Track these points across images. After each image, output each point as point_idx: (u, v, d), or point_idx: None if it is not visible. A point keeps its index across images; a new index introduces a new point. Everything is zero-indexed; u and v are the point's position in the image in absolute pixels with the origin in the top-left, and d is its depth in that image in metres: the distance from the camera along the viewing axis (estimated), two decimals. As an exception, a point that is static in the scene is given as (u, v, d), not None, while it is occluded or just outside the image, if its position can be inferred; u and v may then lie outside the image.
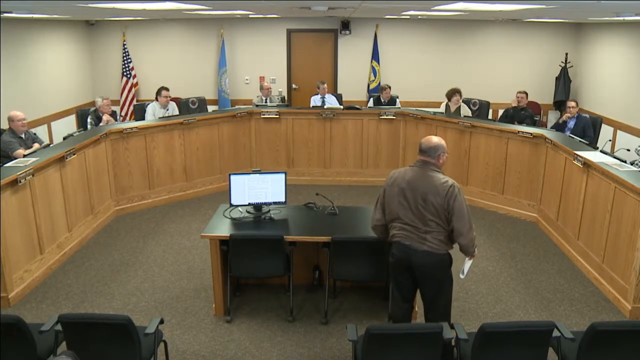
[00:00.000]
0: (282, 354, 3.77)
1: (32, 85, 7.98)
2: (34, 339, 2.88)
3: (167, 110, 7.28)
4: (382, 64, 9.66)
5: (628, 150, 6.48)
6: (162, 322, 3.17)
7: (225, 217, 4.37)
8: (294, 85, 9.96)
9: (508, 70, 9.57)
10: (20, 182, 4.45)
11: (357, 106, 7.57)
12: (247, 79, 9.92)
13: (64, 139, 5.88)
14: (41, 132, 7.71)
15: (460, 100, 7.53)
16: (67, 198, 5.29)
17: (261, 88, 8.40)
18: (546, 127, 9.14)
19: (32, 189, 4.68)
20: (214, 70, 9.84)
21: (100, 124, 6.79)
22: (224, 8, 6.91)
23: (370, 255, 3.94)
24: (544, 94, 9.45)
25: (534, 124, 7.21)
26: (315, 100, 8.09)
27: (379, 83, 9.41)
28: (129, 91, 9.67)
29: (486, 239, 5.74)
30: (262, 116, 7.42)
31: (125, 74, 9.66)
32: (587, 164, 4.97)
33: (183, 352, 3.78)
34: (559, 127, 6.95)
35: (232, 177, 4.37)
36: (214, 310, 4.26)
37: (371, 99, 8.34)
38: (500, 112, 8.61)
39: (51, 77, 8.50)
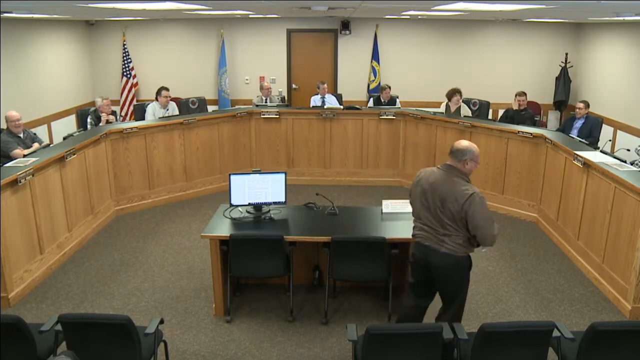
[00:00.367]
0: (282, 354, 3.77)
1: (32, 85, 7.98)
2: (34, 339, 2.89)
3: (167, 110, 7.27)
4: (382, 64, 9.66)
5: (628, 150, 6.49)
6: (162, 322, 3.18)
7: (225, 217, 4.37)
8: (294, 85, 9.96)
9: (508, 70, 9.57)
10: (20, 182, 4.45)
11: (357, 106, 7.57)
12: (247, 79, 9.92)
13: (64, 139, 5.89)
14: (41, 132, 7.71)
15: (461, 100, 7.53)
16: (67, 198, 5.29)
17: (261, 88, 8.40)
18: (546, 127, 9.16)
19: (32, 189, 4.68)
20: (214, 70, 9.84)
21: (100, 124, 6.79)
22: (224, 8, 6.91)
23: (370, 255, 3.94)
24: (544, 94, 9.45)
25: (534, 124, 7.21)
26: (315, 100, 8.09)
27: (379, 83, 9.41)
28: (129, 91, 9.67)
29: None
30: (262, 116, 7.42)
31: (125, 74, 9.66)
32: (587, 164, 4.97)
33: (183, 352, 3.78)
34: (566, 125, 7.01)
35: (232, 177, 4.37)
36: (214, 310, 4.26)
37: (371, 99, 8.34)
38: (501, 112, 8.61)
39: (51, 77, 8.50)
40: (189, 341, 3.91)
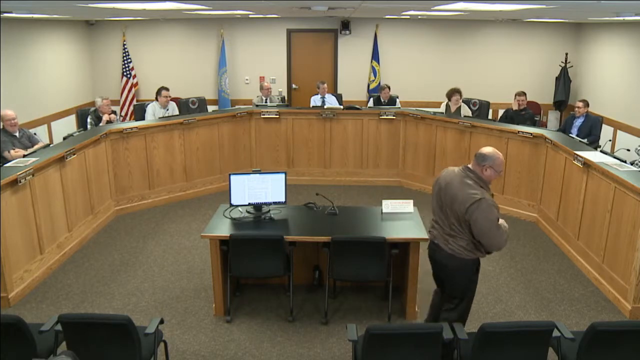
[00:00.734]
0: (282, 354, 3.77)
1: (32, 85, 7.97)
2: (34, 339, 2.88)
3: (167, 110, 7.27)
4: (382, 64, 9.66)
5: (628, 150, 6.50)
6: (162, 322, 3.18)
7: (225, 217, 4.37)
8: (294, 85, 9.96)
9: (508, 70, 9.57)
10: (20, 182, 4.45)
11: (357, 106, 7.57)
12: (247, 79, 9.92)
13: (64, 139, 5.89)
14: (41, 132, 7.72)
15: (460, 100, 7.53)
16: (67, 198, 5.29)
17: (261, 88, 8.40)
18: (546, 127, 9.17)
19: (32, 189, 4.68)
20: (214, 70, 9.84)
21: (100, 124, 6.79)
22: (224, 8, 6.91)
23: (370, 255, 3.94)
24: (544, 94, 9.45)
25: (534, 124, 7.21)
26: (315, 100, 8.09)
27: (379, 83, 9.41)
28: (129, 91, 9.67)
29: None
30: (262, 116, 7.42)
31: (125, 74, 9.66)
32: (587, 164, 4.97)
33: (183, 352, 3.78)
34: (566, 124, 7.03)
35: (232, 177, 4.37)
36: (214, 310, 4.26)
37: (371, 99, 8.35)
38: (501, 112, 8.62)
39: (51, 77, 8.50)
40: (189, 341, 3.91)
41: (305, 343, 3.90)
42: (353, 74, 9.80)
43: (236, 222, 4.28)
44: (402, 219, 4.34)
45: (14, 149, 5.60)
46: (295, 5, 6.09)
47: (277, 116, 7.41)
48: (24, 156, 5.19)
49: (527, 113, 7.34)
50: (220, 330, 4.05)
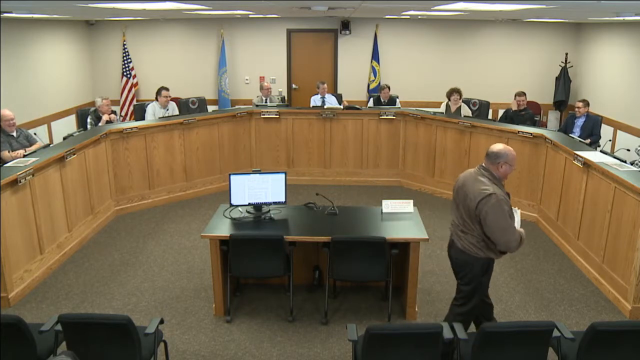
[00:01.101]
0: (282, 354, 3.77)
1: (32, 85, 7.97)
2: (34, 339, 2.89)
3: (167, 110, 7.27)
4: (382, 64, 9.66)
5: (628, 150, 6.50)
6: (162, 322, 3.17)
7: (225, 217, 4.37)
8: (294, 85, 9.96)
9: (508, 70, 9.57)
10: (20, 182, 4.45)
11: (357, 106, 7.57)
12: (247, 79, 9.92)
13: (64, 139, 5.89)
14: (41, 132, 7.71)
15: (460, 100, 7.54)
16: (67, 198, 5.29)
17: (261, 88, 8.41)
18: (546, 127, 9.17)
19: (32, 189, 4.68)
20: (214, 70, 9.84)
21: (100, 124, 6.79)
22: (224, 8, 6.91)
23: (370, 255, 3.94)
24: (544, 94, 9.45)
25: (534, 124, 7.21)
26: (315, 100, 8.10)
27: (379, 83, 9.41)
28: (129, 91, 9.67)
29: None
30: (262, 116, 7.42)
31: (125, 74, 9.66)
32: (587, 164, 4.97)
33: (183, 352, 3.78)
34: (567, 124, 7.04)
35: (232, 177, 4.37)
36: (214, 310, 4.26)
37: (371, 99, 8.35)
38: (501, 112, 8.62)
39: (51, 77, 8.50)
40: (189, 341, 3.91)
41: (305, 343, 3.90)
42: (353, 74, 9.80)
43: (236, 222, 4.28)
44: (402, 219, 4.34)
45: (8, 151, 5.57)
46: (295, 5, 6.09)
47: (277, 116, 7.41)
48: (24, 156, 5.19)
49: (527, 113, 7.33)
50: (220, 330, 4.05)
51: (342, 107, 7.65)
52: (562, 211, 5.52)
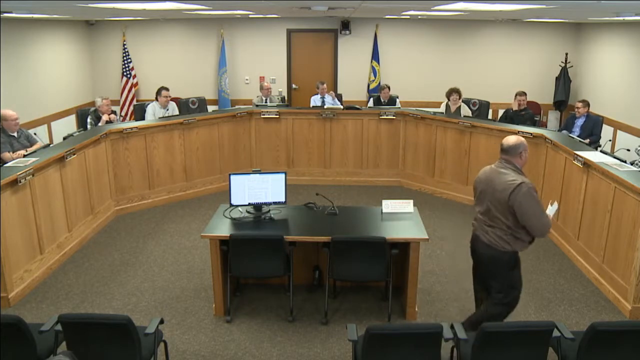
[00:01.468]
0: (282, 354, 3.77)
1: (32, 85, 7.98)
2: (34, 339, 2.89)
3: (167, 110, 7.27)
4: (382, 64, 9.66)
5: (628, 150, 6.50)
6: (162, 322, 3.18)
7: (225, 217, 4.37)
8: (294, 85, 9.97)
9: (508, 70, 9.57)
10: (20, 182, 4.45)
11: (357, 106, 7.57)
12: (247, 79, 9.92)
13: (64, 139, 5.89)
14: (41, 132, 7.71)
15: (460, 100, 7.54)
16: (67, 198, 5.29)
17: (261, 88, 8.41)
18: (546, 127, 9.17)
19: (32, 189, 4.68)
20: (214, 70, 9.84)
21: (100, 124, 6.79)
22: (224, 8, 6.91)
23: (370, 255, 3.94)
24: (544, 94, 9.45)
25: (534, 124, 7.22)
26: (315, 100, 8.10)
27: (379, 83, 9.41)
28: (129, 91, 9.67)
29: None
30: (262, 116, 7.42)
31: (125, 74, 9.66)
32: (587, 164, 4.97)
33: (183, 352, 3.78)
34: (567, 124, 7.04)
35: (232, 177, 4.37)
36: (214, 310, 4.26)
37: (371, 99, 8.35)
38: (500, 112, 8.62)
39: (51, 77, 8.50)
40: (189, 341, 3.91)
41: (305, 343, 3.90)
42: (353, 74, 9.80)
43: (236, 222, 4.28)
44: (402, 219, 4.34)
45: (9, 151, 5.57)
46: (295, 5, 6.09)
47: (277, 116, 7.41)
48: (24, 156, 5.19)
49: (527, 113, 7.33)
50: (220, 330, 4.05)
51: (341, 106, 7.65)
52: (562, 211, 5.52)
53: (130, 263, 5.18)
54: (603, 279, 4.65)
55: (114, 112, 7.19)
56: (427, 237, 4.02)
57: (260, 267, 4.08)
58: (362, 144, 7.44)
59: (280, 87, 9.78)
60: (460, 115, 7.32)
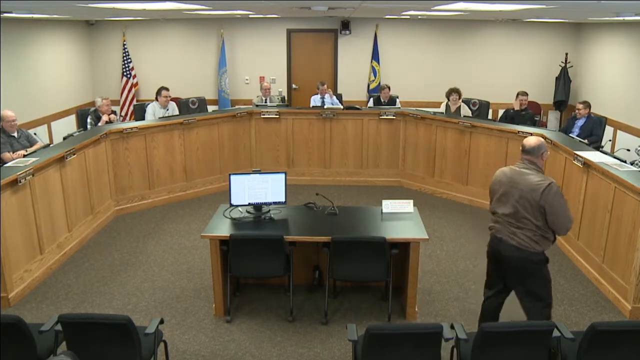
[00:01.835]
0: (282, 354, 3.77)
1: (32, 85, 7.98)
2: (34, 339, 2.88)
3: (167, 110, 7.27)
4: (382, 64, 9.66)
5: (628, 150, 6.50)
6: (162, 322, 3.17)
7: (225, 217, 4.37)
8: (294, 85, 9.97)
9: (508, 70, 9.57)
10: (20, 182, 4.45)
11: (357, 106, 7.57)
12: (247, 79, 9.92)
13: (64, 139, 5.89)
14: (41, 132, 7.71)
15: (460, 100, 7.54)
16: (67, 198, 5.29)
17: (261, 88, 8.41)
18: (546, 127, 9.17)
19: (32, 189, 4.68)
20: (214, 70, 9.84)
21: (99, 124, 6.79)
22: (224, 8, 6.91)
23: (370, 255, 3.94)
24: (544, 94, 9.45)
25: (534, 124, 7.22)
26: (315, 100, 8.10)
27: (379, 83, 9.42)
28: (129, 91, 9.67)
29: (486, 239, 5.70)
30: (262, 116, 7.42)
31: (125, 74, 9.66)
32: (587, 164, 4.97)
33: (183, 352, 3.78)
34: (568, 124, 7.05)
35: (232, 177, 4.37)
36: (214, 310, 4.26)
37: (371, 99, 8.35)
38: (500, 112, 8.62)
39: (51, 77, 8.50)
40: (189, 341, 3.91)
41: (305, 343, 3.90)
42: (353, 74, 9.80)
43: (236, 222, 4.28)
44: (402, 219, 4.34)
45: (9, 151, 5.57)
46: (295, 5, 6.09)
47: (277, 116, 7.41)
48: (24, 156, 5.19)
49: (527, 113, 7.33)
50: (220, 330, 4.05)
51: (341, 106, 7.66)
52: (562, 211, 5.51)
53: (130, 263, 5.18)
54: (603, 279, 4.65)
55: (114, 112, 7.19)
56: (427, 237, 4.02)
57: (260, 267, 4.07)
58: (362, 144, 7.44)
59: (280, 87, 9.78)
60: (460, 115, 7.32)
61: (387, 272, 4.00)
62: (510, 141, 6.28)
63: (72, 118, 8.90)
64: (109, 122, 6.89)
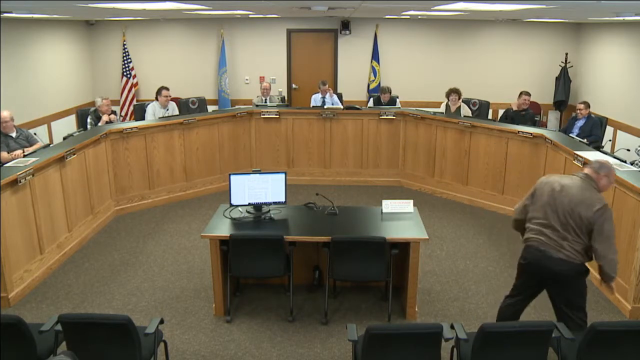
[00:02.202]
0: (282, 354, 3.77)
1: (32, 85, 7.97)
2: (34, 339, 2.89)
3: (167, 110, 7.27)
4: (382, 64, 9.66)
5: (628, 150, 6.50)
6: (162, 322, 3.17)
7: (225, 217, 4.37)
8: (294, 85, 9.97)
9: (508, 70, 9.57)
10: (20, 182, 4.45)
11: (357, 106, 7.57)
12: (247, 79, 9.92)
13: (64, 139, 5.88)
14: (41, 132, 7.71)
15: (459, 100, 7.54)
16: (67, 198, 5.29)
17: (261, 88, 8.41)
18: (546, 127, 9.17)
19: (32, 189, 4.68)
20: (214, 70, 9.84)
21: (99, 124, 6.79)
22: (224, 8, 6.91)
23: (370, 255, 3.94)
24: (544, 94, 9.45)
25: (534, 124, 7.22)
26: (316, 100, 8.10)
27: (379, 83, 9.42)
28: (129, 91, 9.67)
29: (486, 239, 5.74)
30: (262, 116, 7.42)
31: (125, 74, 9.66)
32: (587, 164, 4.96)
33: (183, 352, 3.78)
34: (568, 125, 7.05)
35: (232, 177, 4.37)
36: (214, 310, 4.26)
37: (371, 99, 8.34)
38: (500, 112, 8.61)
39: (51, 77, 8.50)
40: (189, 341, 3.91)
41: (305, 343, 3.90)
42: (353, 74, 9.80)
43: (236, 222, 4.28)
44: (402, 219, 4.34)
45: (7, 151, 5.56)
46: (295, 5, 6.09)
47: (277, 116, 7.41)
48: (24, 156, 5.19)
49: (528, 113, 7.34)
50: (220, 330, 4.05)
51: (341, 106, 7.66)
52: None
53: (130, 263, 5.18)
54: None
55: (114, 112, 7.19)
56: (427, 237, 4.02)
57: (260, 267, 4.07)
58: (362, 144, 7.44)
59: (280, 87, 9.78)
60: (460, 115, 7.32)
61: (387, 272, 4.00)
62: (510, 141, 6.28)
63: (72, 118, 8.90)
64: (109, 122, 6.89)
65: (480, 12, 6.76)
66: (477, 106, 8.17)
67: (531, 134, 6.09)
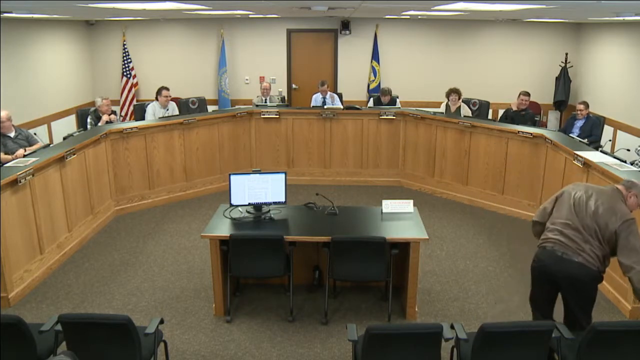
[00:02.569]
0: (282, 354, 3.77)
1: (32, 85, 7.97)
2: (34, 339, 2.88)
3: (167, 110, 7.27)
4: (382, 64, 9.66)
5: (628, 150, 6.50)
6: (162, 322, 3.17)
7: (225, 217, 4.37)
8: (294, 85, 9.96)
9: (508, 70, 9.57)
10: (20, 182, 4.45)
11: (357, 106, 7.57)
12: (247, 79, 9.92)
13: (64, 139, 5.88)
14: (41, 132, 7.71)
15: (459, 100, 7.54)
16: (67, 198, 5.29)
17: (261, 88, 8.41)
18: (546, 127, 9.17)
19: (32, 189, 4.68)
20: (214, 70, 9.84)
21: (99, 124, 6.79)
22: (224, 8, 6.91)
23: (370, 255, 3.94)
24: (544, 94, 9.45)
25: (534, 124, 7.22)
26: (316, 100, 8.10)
27: (379, 83, 9.41)
28: (129, 91, 9.67)
29: (486, 239, 5.73)
30: (262, 116, 7.42)
31: (125, 74, 9.66)
32: (587, 164, 4.97)
33: (183, 352, 3.78)
34: (567, 125, 7.04)
35: (232, 177, 4.37)
36: (214, 310, 4.26)
37: (371, 99, 8.34)
38: (501, 112, 8.61)
39: (51, 77, 8.50)
40: (189, 341, 3.91)
41: (305, 343, 3.90)
42: (353, 74, 9.80)
43: (236, 222, 4.28)
44: (402, 219, 4.34)
45: (4, 152, 5.55)
46: (295, 5, 6.09)
47: (277, 116, 7.41)
48: (24, 156, 5.19)
49: (528, 113, 7.34)
50: (220, 330, 4.05)
51: (341, 106, 7.66)
52: (562, 211, 5.51)
53: (130, 263, 5.18)
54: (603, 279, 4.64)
55: (114, 112, 7.19)
56: (427, 237, 4.02)
57: (260, 267, 4.07)
58: (362, 144, 7.44)
59: (280, 87, 9.78)
60: (460, 115, 7.32)
61: (387, 272, 4.00)
62: (510, 141, 6.28)
63: (72, 118, 8.90)
64: (109, 122, 6.89)
65: (480, 12, 6.76)
66: (477, 106, 8.17)
67: (531, 134, 6.09)
